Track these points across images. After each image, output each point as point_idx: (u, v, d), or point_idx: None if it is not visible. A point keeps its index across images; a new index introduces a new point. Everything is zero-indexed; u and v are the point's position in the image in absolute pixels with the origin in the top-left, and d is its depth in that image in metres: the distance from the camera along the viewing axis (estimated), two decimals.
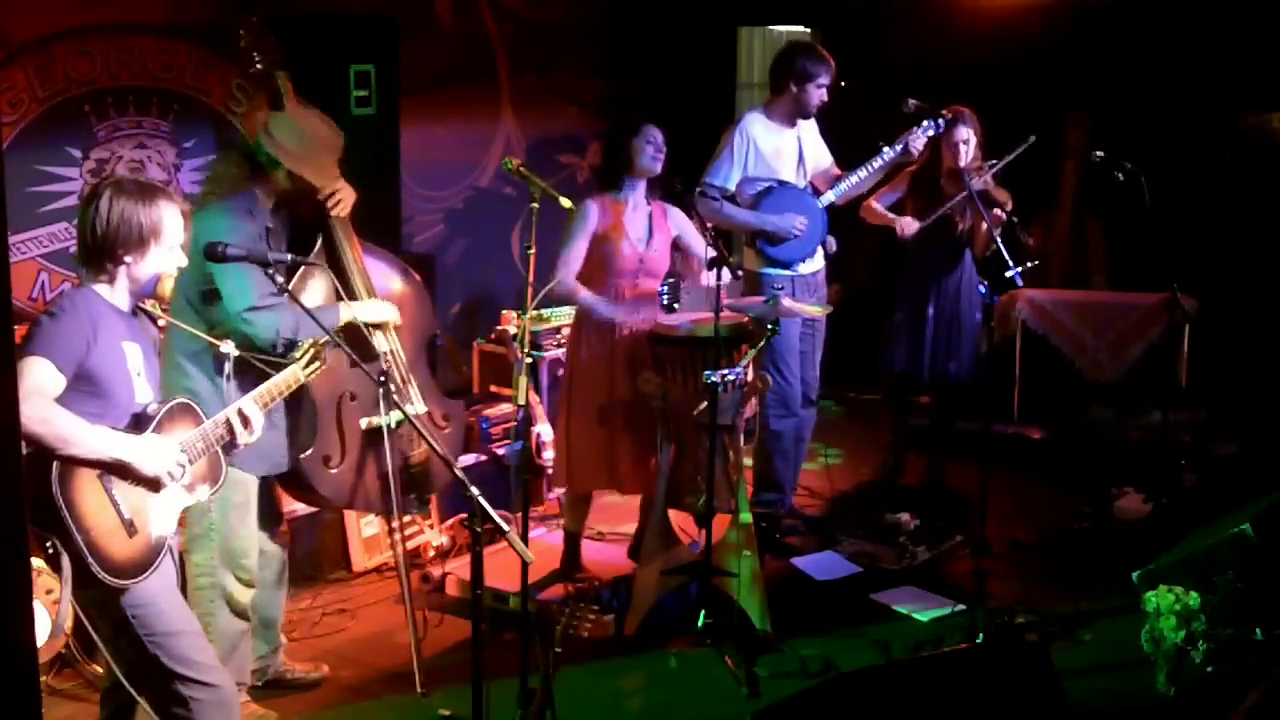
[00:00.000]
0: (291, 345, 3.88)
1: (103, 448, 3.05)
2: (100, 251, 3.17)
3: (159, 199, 3.22)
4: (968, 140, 5.76)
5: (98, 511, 3.06)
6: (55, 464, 2.99)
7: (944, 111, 5.66)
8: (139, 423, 3.19)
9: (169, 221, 3.22)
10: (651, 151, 5.02)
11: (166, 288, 3.32)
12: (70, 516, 3.00)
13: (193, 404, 3.35)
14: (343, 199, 4.30)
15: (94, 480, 3.07)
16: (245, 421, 3.35)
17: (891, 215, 5.96)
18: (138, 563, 3.13)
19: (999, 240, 5.45)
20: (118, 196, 3.17)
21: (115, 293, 3.22)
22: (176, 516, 3.27)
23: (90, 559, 3.02)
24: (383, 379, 3.62)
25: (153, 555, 3.16)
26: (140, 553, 3.14)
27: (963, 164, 5.74)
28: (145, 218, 3.18)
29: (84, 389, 3.09)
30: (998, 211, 5.72)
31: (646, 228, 5.13)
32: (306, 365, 3.49)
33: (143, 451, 3.12)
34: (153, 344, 3.34)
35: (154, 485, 3.16)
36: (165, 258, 3.24)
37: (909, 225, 5.89)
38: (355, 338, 4.16)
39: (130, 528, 3.11)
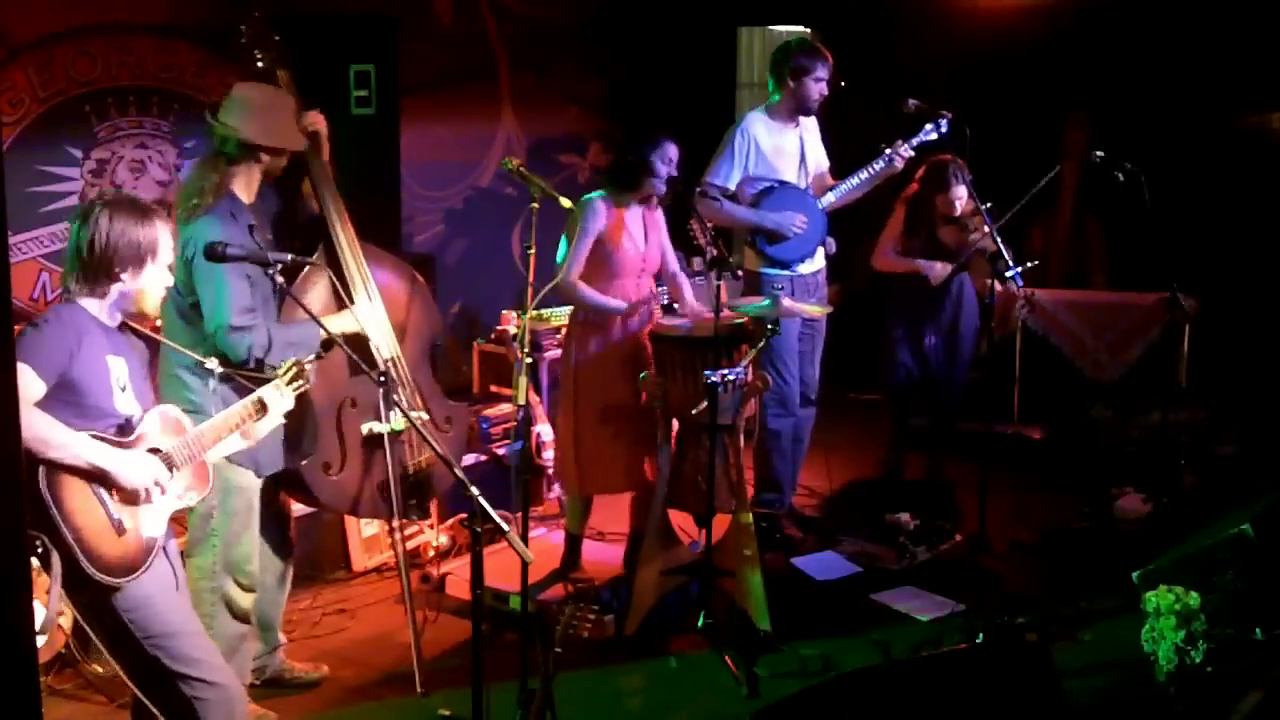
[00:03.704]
0: (260, 365, 3.92)
1: (82, 453, 3.05)
2: (98, 268, 3.19)
3: (154, 218, 3.27)
4: (961, 196, 5.73)
5: (86, 511, 3.07)
6: (42, 464, 3.00)
7: (943, 112, 5.66)
8: (122, 433, 3.19)
9: (164, 241, 3.28)
10: (665, 174, 4.97)
11: (150, 305, 3.32)
12: (59, 515, 3.01)
13: (177, 413, 3.36)
14: (319, 128, 4.35)
15: (81, 480, 3.08)
16: (263, 408, 3.44)
17: (920, 262, 5.84)
18: (129, 561, 3.13)
19: (999, 241, 5.45)
20: (116, 214, 3.21)
21: (104, 308, 3.24)
22: (167, 519, 3.27)
23: (81, 556, 3.03)
24: (383, 381, 3.62)
25: (144, 555, 3.17)
26: (131, 552, 3.14)
27: (959, 214, 5.74)
28: (144, 236, 3.23)
29: (66, 399, 3.09)
30: (1016, 294, 5.74)
31: (643, 227, 5.14)
32: (290, 382, 3.53)
33: (122, 462, 3.12)
34: (140, 359, 3.36)
35: (133, 497, 3.16)
36: (159, 275, 3.29)
37: (941, 273, 5.81)
38: (356, 343, 4.15)
39: (120, 528, 3.12)
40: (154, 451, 3.21)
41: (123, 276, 3.21)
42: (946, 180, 5.71)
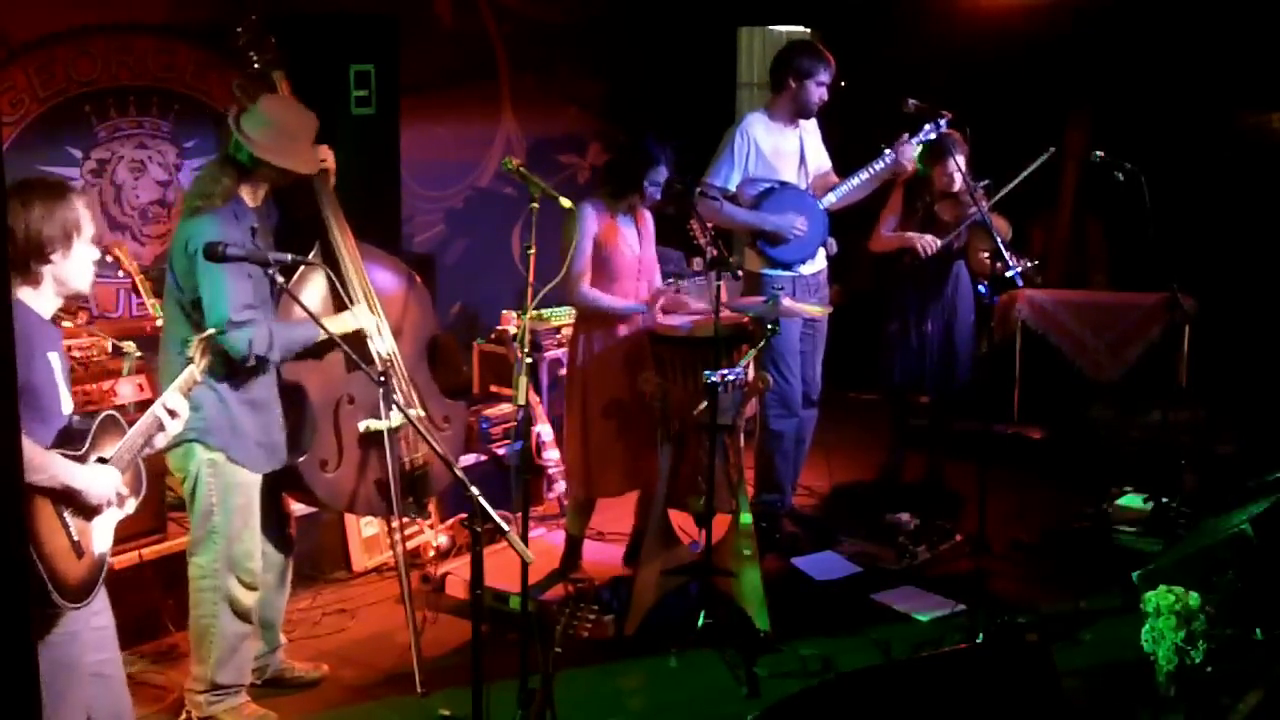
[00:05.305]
0: (262, 360, 3.91)
1: (58, 474, 3.01)
2: (28, 253, 3.09)
3: (70, 195, 3.19)
4: (960, 168, 5.73)
5: (51, 534, 3.02)
6: None
7: (943, 112, 5.66)
8: (68, 437, 3.12)
9: (85, 215, 3.19)
10: (651, 195, 5.02)
11: (83, 284, 3.22)
12: (29, 541, 2.92)
13: (118, 417, 3.27)
14: (327, 164, 4.34)
15: (46, 502, 3.02)
16: (172, 414, 3.29)
17: (910, 235, 5.85)
18: (86, 585, 3.09)
19: (999, 241, 5.44)
20: (32, 197, 3.12)
21: (40, 296, 3.15)
22: (112, 532, 3.22)
23: (48, 583, 2.97)
24: (383, 380, 3.62)
25: (96, 577, 3.13)
26: (88, 573, 3.11)
27: (957, 188, 5.74)
28: (67, 213, 3.14)
29: (26, 402, 2.95)
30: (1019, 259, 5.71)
31: (636, 232, 5.14)
32: (199, 361, 3.39)
33: (90, 479, 3.08)
34: (64, 351, 3.26)
35: (93, 512, 3.12)
36: (87, 251, 3.20)
37: (930, 244, 5.79)
38: (354, 341, 4.15)
39: (79, 549, 3.08)
40: (101, 461, 3.15)
41: (53, 257, 3.12)
42: (944, 151, 5.70)
